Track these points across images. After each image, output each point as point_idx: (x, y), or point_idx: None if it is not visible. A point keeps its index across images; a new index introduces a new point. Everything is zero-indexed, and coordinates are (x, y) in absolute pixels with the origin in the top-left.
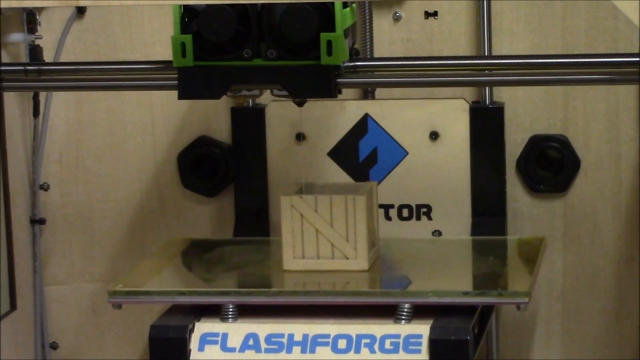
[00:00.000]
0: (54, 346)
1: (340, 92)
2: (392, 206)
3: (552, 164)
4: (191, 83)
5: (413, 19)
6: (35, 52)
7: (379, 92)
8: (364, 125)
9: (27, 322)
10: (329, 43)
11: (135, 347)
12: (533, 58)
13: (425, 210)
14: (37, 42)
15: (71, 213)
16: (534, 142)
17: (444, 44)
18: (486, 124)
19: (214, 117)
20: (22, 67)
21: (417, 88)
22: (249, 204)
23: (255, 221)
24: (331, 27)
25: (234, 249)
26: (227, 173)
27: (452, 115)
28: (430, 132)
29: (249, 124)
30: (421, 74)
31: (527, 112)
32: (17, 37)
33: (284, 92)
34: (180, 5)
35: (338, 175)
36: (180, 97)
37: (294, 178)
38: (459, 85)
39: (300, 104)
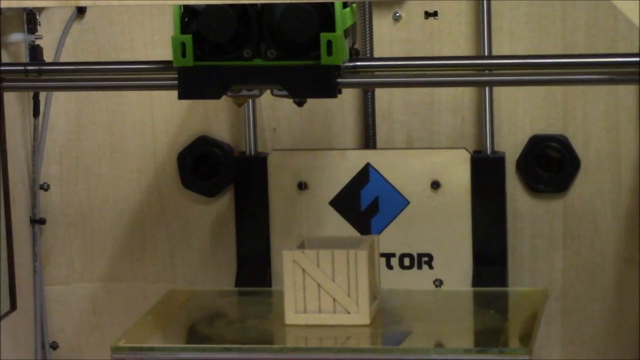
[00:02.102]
0: (54, 346)
1: (340, 92)
2: (393, 255)
3: (552, 164)
4: (191, 83)
5: (413, 19)
6: (35, 52)
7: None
8: (365, 174)
9: (27, 322)
10: (329, 43)
11: None
12: (533, 58)
13: (426, 259)
14: (37, 42)
15: (71, 213)
16: (534, 142)
17: (444, 44)
18: (487, 173)
19: (214, 117)
20: (22, 67)
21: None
22: (250, 252)
23: (257, 269)
24: (331, 27)
25: (236, 300)
26: (227, 173)
27: (453, 164)
28: (431, 182)
29: (252, 173)
30: (421, 74)
31: (527, 112)
32: (17, 37)
33: (284, 92)
34: (180, 5)
35: (340, 224)
36: (180, 97)
37: (296, 227)
38: (459, 85)
39: (300, 104)
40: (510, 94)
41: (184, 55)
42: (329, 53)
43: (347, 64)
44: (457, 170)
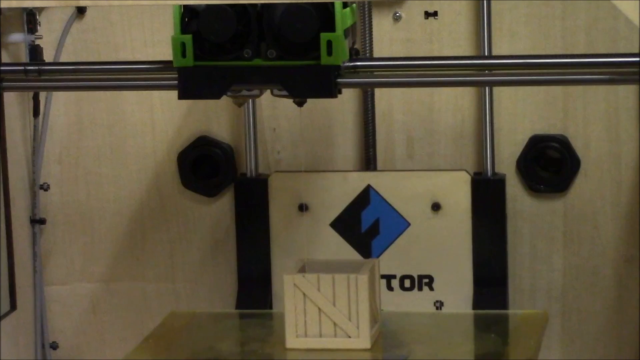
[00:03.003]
0: (54, 346)
1: (340, 92)
2: (394, 276)
3: (552, 164)
4: (191, 83)
5: (413, 19)
6: (35, 52)
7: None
8: (366, 196)
9: (27, 322)
10: (329, 43)
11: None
12: (533, 58)
13: (427, 280)
14: (37, 42)
15: (71, 213)
16: (534, 142)
17: (444, 44)
18: (487, 195)
19: (214, 117)
20: (22, 67)
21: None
22: (251, 274)
23: (257, 291)
24: (331, 27)
25: (236, 323)
26: (227, 173)
27: (453, 186)
28: (432, 204)
29: (252, 194)
30: (421, 74)
31: (527, 112)
32: (17, 37)
33: (284, 92)
34: (180, 5)
35: (340, 246)
36: (180, 97)
37: (297, 248)
38: (459, 85)
39: (300, 104)
40: (510, 94)
41: (184, 55)
42: (329, 53)
43: (347, 64)
44: (457, 192)
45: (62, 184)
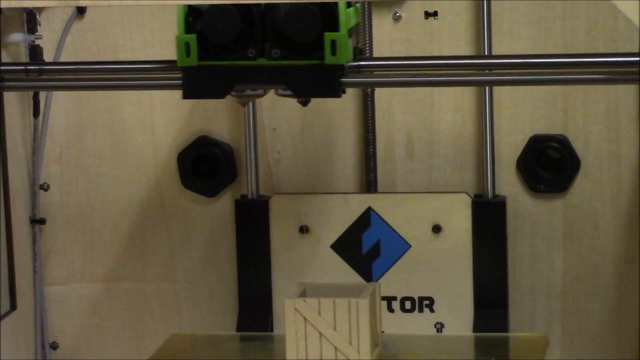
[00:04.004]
0: (54, 346)
1: (344, 92)
2: (394, 298)
3: (552, 164)
4: (195, 83)
5: (413, 19)
6: (35, 52)
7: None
8: (366, 218)
9: (27, 322)
10: (333, 43)
11: (135, 347)
12: (533, 58)
13: (427, 302)
14: (37, 42)
15: (71, 213)
16: (534, 142)
17: (444, 44)
18: (488, 217)
19: (214, 117)
20: (23, 67)
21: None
22: (252, 296)
23: (258, 313)
24: (335, 27)
25: (237, 346)
26: (227, 173)
27: (454, 208)
28: (432, 226)
29: (253, 216)
30: (424, 74)
31: (527, 112)
32: (17, 37)
33: (288, 92)
34: (185, 5)
35: (341, 268)
36: (184, 97)
37: (298, 270)
38: (460, 85)
39: (304, 104)
40: (510, 94)
41: (188, 54)
42: (333, 53)
43: (350, 63)
44: (458, 215)
45: (62, 184)
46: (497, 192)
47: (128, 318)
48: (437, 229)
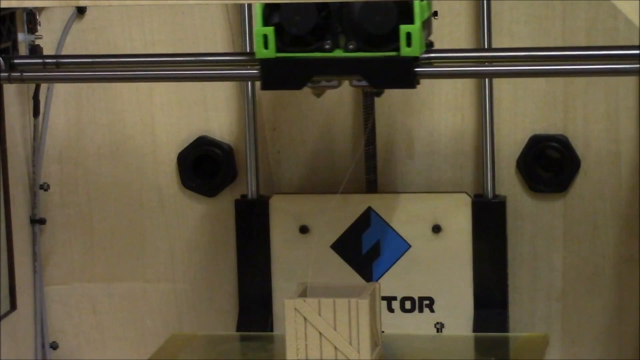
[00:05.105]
0: (54, 346)
1: (418, 83)
2: (394, 298)
3: (552, 164)
4: (273, 74)
5: None
6: (35, 52)
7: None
8: (366, 218)
9: (27, 322)
10: (408, 35)
11: (135, 347)
12: (534, 50)
13: (427, 302)
14: (37, 42)
15: (71, 213)
16: (534, 142)
17: (444, 44)
18: (488, 217)
19: (214, 117)
20: (40, 60)
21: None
22: (252, 296)
23: (258, 313)
24: (410, 19)
25: (237, 346)
26: (227, 173)
27: (454, 208)
28: (432, 226)
29: (253, 216)
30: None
31: (527, 112)
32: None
33: (363, 83)
34: None
35: (341, 268)
36: (263, 88)
37: (298, 270)
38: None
39: (378, 95)
40: (510, 94)
41: (266, 46)
42: (408, 44)
43: (424, 55)
44: (458, 214)
45: (62, 184)
46: (497, 192)
47: (128, 318)
48: (437, 229)
